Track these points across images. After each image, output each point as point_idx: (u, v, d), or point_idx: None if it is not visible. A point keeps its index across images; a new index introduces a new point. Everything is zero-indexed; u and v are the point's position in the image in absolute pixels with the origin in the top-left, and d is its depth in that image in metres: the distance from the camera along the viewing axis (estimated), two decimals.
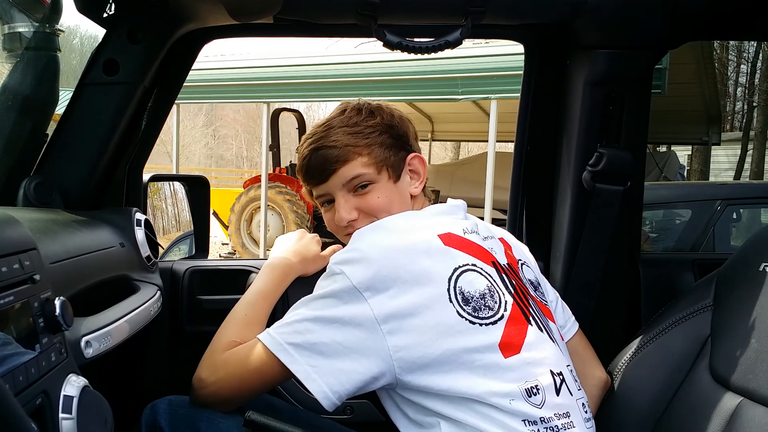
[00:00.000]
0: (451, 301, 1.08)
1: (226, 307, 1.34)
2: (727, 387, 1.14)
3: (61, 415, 0.80)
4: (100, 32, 1.48)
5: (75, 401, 0.82)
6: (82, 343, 0.97)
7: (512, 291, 1.18)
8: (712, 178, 13.61)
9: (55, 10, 1.40)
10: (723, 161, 15.37)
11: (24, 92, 1.38)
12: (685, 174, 13.16)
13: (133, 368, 1.72)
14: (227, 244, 10.34)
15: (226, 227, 9.78)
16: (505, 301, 1.14)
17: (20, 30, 1.37)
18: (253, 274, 1.71)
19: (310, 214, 9.07)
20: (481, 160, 8.89)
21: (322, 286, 1.14)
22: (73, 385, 0.84)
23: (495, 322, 1.10)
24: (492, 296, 1.13)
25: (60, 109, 1.50)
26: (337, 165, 1.27)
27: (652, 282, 1.73)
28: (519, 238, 1.71)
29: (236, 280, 1.73)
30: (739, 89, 20.98)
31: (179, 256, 2.10)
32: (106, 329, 1.06)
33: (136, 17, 1.44)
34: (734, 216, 4.28)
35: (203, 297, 1.72)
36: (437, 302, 1.08)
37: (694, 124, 11.29)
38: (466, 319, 1.08)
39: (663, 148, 13.11)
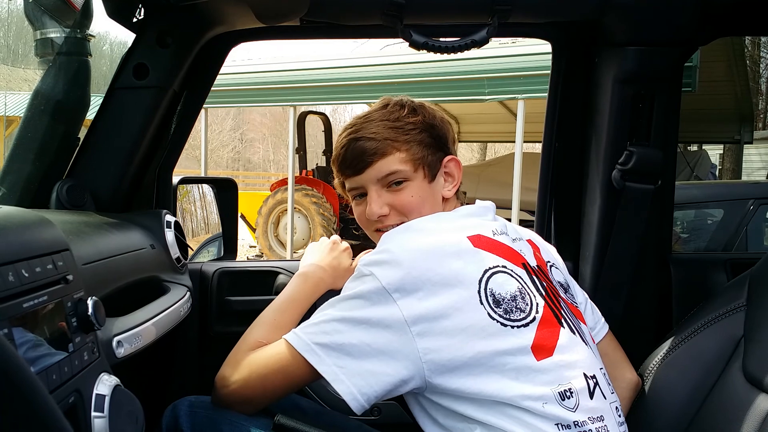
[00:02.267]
0: (481, 303, 1.06)
1: (254, 308, 1.35)
2: (761, 388, 1.12)
3: (93, 413, 0.82)
4: (129, 38, 1.51)
5: (107, 400, 0.83)
6: (114, 343, 0.99)
7: (543, 293, 1.16)
8: (744, 177, 13.34)
9: (86, 15, 1.42)
10: (756, 160, 15.06)
11: (56, 97, 1.40)
12: (717, 173, 12.93)
13: (163, 368, 1.74)
14: (255, 246, 10.42)
15: (254, 230, 9.85)
16: (537, 303, 1.12)
17: (52, 36, 1.40)
18: (281, 275, 1.72)
19: (336, 216, 9.09)
20: (508, 160, 8.83)
21: (350, 287, 1.13)
22: (105, 384, 0.85)
23: (527, 325, 1.08)
24: (523, 298, 1.11)
25: (91, 114, 1.52)
26: (375, 158, 1.24)
27: (683, 282, 1.70)
28: (547, 238, 1.70)
29: (264, 281, 1.74)
30: None
31: (208, 257, 2.12)
32: (137, 329, 1.07)
33: (164, 21, 1.46)
34: (767, 215, 4.20)
35: (232, 298, 1.74)
36: (468, 304, 1.06)
37: (725, 122, 11.09)
38: (498, 321, 1.06)
39: (694, 147, 12.88)
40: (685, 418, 1.27)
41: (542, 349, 1.07)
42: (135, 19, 1.48)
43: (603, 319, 1.41)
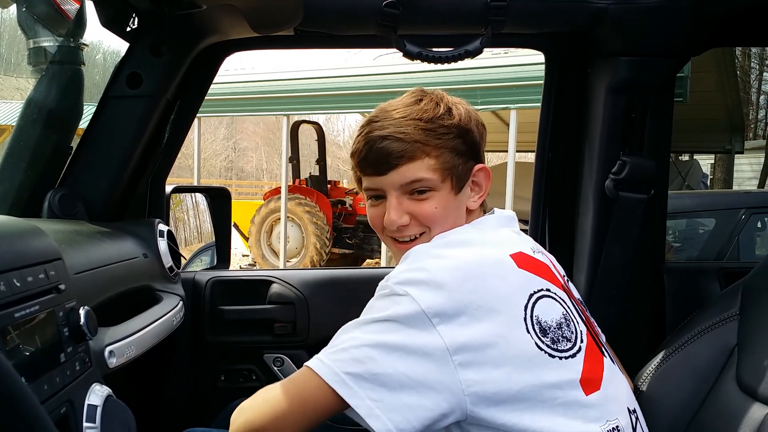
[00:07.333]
0: (528, 332, 0.96)
1: (247, 317, 1.34)
2: (755, 397, 1.12)
3: (85, 424, 0.81)
4: (122, 47, 1.51)
5: (99, 410, 0.83)
6: (106, 353, 0.98)
7: (583, 318, 1.08)
8: (735, 187, 13.42)
9: (79, 24, 1.42)
10: (746, 170, 15.17)
11: (49, 106, 1.40)
12: (709, 183, 13.01)
13: (155, 377, 1.72)
14: (247, 255, 10.39)
15: (247, 239, 9.82)
16: (581, 331, 1.04)
17: (45, 45, 1.39)
18: (275, 284, 1.71)
19: (329, 225, 9.08)
20: (500, 170, 8.85)
21: (379, 307, 0.99)
22: (97, 395, 0.85)
23: (574, 355, 1.00)
24: (568, 326, 1.02)
25: (84, 123, 1.52)
26: (401, 161, 1.09)
27: (676, 291, 1.70)
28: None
29: (257, 290, 1.73)
30: (762, 97, 20.76)
31: (201, 266, 2.11)
32: (129, 339, 1.07)
33: (158, 31, 1.46)
34: (759, 225, 4.22)
35: (225, 307, 1.73)
36: (514, 331, 0.96)
37: (716, 132, 11.16)
38: (546, 352, 0.97)
39: (686, 157, 12.97)
40: (679, 427, 1.26)
41: (590, 382, 0.99)
42: (129, 29, 1.48)
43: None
